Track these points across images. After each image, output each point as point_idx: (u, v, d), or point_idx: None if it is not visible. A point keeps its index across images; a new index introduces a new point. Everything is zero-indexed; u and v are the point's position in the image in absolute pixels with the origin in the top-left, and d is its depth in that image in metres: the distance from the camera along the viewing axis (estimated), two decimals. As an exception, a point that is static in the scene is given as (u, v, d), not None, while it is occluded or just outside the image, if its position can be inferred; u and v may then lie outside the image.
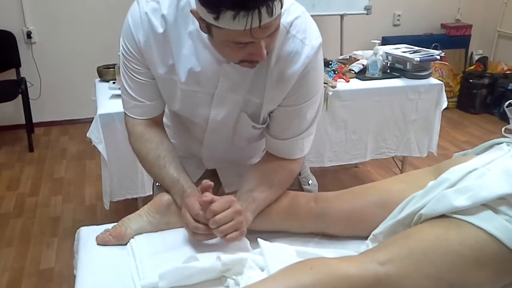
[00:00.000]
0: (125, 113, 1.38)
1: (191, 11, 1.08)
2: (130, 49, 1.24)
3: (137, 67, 1.27)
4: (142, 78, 1.29)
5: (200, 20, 1.06)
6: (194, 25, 1.16)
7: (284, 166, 1.34)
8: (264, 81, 1.22)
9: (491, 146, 1.32)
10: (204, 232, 1.18)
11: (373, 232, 1.22)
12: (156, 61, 1.24)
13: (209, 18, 1.00)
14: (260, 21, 0.97)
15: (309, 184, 1.64)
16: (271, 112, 1.33)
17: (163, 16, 1.18)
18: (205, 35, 1.14)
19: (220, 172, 1.57)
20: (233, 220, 1.14)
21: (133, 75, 1.29)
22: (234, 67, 1.17)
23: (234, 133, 1.38)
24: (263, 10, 0.96)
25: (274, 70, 1.20)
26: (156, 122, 1.38)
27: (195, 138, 1.45)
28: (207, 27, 1.06)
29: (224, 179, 1.56)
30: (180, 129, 1.50)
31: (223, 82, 1.23)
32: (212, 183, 1.21)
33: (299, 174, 1.63)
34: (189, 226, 1.19)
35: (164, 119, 1.44)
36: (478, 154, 1.31)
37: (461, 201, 1.08)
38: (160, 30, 1.19)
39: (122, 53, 1.28)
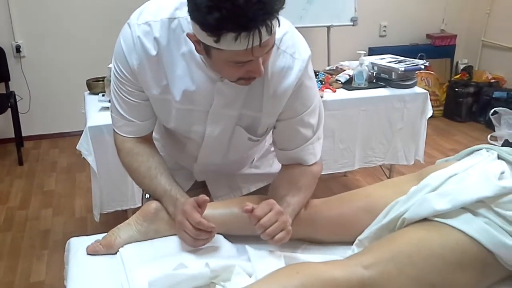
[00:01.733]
0: (114, 130, 1.39)
1: (187, 35, 1.10)
2: (124, 71, 1.25)
3: (130, 89, 1.28)
4: (134, 100, 1.30)
5: (197, 43, 1.08)
6: (186, 46, 1.18)
7: (304, 171, 1.36)
8: (259, 95, 1.24)
9: (472, 152, 1.36)
10: (204, 238, 1.21)
11: (359, 237, 1.25)
12: (150, 82, 1.25)
13: (209, 41, 1.02)
14: (260, 40, 0.99)
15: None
16: (274, 127, 1.36)
17: (155, 39, 1.20)
18: (198, 56, 1.17)
19: (209, 184, 1.58)
20: (277, 221, 1.16)
21: (125, 96, 1.30)
22: (228, 84, 1.20)
23: (229, 146, 1.40)
24: (263, 30, 0.98)
25: (270, 85, 1.22)
26: (146, 139, 1.40)
27: (189, 152, 1.46)
28: (205, 49, 1.07)
29: (213, 190, 1.58)
30: (173, 144, 1.51)
31: (217, 99, 1.25)
32: (208, 198, 1.22)
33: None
34: (190, 233, 1.20)
35: (153, 133, 1.46)
36: (459, 160, 1.35)
37: (442, 205, 1.11)
38: (153, 52, 1.20)
39: (115, 74, 1.29)
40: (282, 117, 1.31)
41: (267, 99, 1.25)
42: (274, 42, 1.08)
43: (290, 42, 1.21)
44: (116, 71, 1.28)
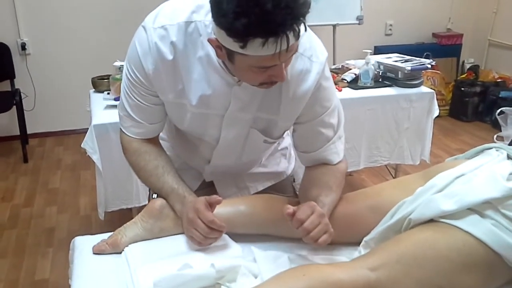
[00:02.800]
0: (121, 129, 1.38)
1: (208, 40, 1.09)
2: (138, 75, 1.24)
3: (142, 92, 1.27)
4: (146, 103, 1.29)
5: (218, 48, 1.07)
6: (203, 50, 1.17)
7: (331, 170, 1.35)
8: (276, 98, 1.23)
9: (482, 151, 1.34)
10: (214, 237, 1.21)
11: (365, 239, 1.24)
12: (166, 87, 1.24)
13: (234, 46, 1.00)
14: (288, 45, 0.99)
15: (303, 191, 1.66)
16: (294, 131, 1.35)
17: (172, 43, 1.18)
18: (215, 60, 1.16)
19: (217, 183, 1.57)
20: (320, 224, 1.15)
21: (136, 98, 1.29)
22: (245, 88, 1.19)
23: (243, 148, 1.40)
24: (290, 35, 0.98)
25: (288, 88, 1.21)
26: (153, 139, 1.39)
27: (201, 154, 1.46)
28: (228, 55, 1.06)
29: (221, 190, 1.57)
30: (184, 145, 1.50)
31: (234, 103, 1.24)
32: (221, 199, 1.22)
33: (294, 181, 1.66)
34: (201, 231, 1.19)
35: (161, 133, 1.45)
36: (468, 158, 1.34)
37: (449, 205, 1.10)
38: (170, 57, 1.19)
39: (127, 76, 1.27)
40: (302, 120, 1.30)
41: (285, 102, 1.24)
42: (298, 46, 1.07)
43: (307, 44, 1.21)
44: (129, 73, 1.26)
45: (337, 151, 1.36)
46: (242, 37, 0.97)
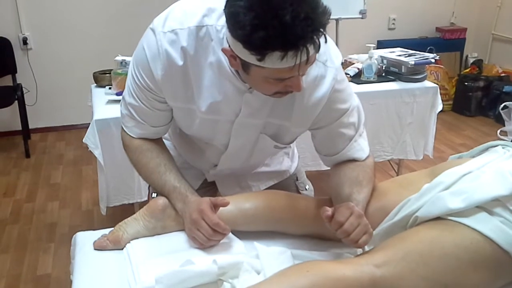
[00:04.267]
0: (122, 128, 1.36)
1: (222, 50, 1.06)
2: (146, 80, 1.21)
3: (149, 97, 1.24)
4: (151, 107, 1.27)
5: (232, 58, 1.04)
6: (214, 55, 1.14)
7: (359, 165, 1.31)
8: (288, 104, 1.20)
9: (487, 149, 1.33)
10: (217, 239, 1.20)
11: (369, 235, 1.22)
12: (174, 92, 1.21)
13: (251, 59, 0.98)
14: (308, 57, 0.96)
15: (306, 189, 1.65)
16: (313, 136, 1.33)
17: (182, 48, 1.14)
18: (226, 66, 1.13)
19: (219, 183, 1.55)
20: (359, 225, 1.11)
21: (141, 102, 1.26)
22: (257, 95, 1.16)
23: (252, 153, 1.38)
24: (310, 47, 0.95)
25: (302, 95, 1.18)
26: (155, 139, 1.37)
27: (208, 158, 1.44)
28: (243, 65, 1.03)
29: (223, 190, 1.55)
30: (189, 148, 1.48)
31: (244, 110, 1.22)
32: (228, 201, 1.20)
33: (297, 179, 1.64)
34: (205, 233, 1.18)
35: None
36: (473, 156, 1.32)
37: (456, 203, 1.09)
38: (180, 63, 1.16)
39: (134, 78, 1.24)
40: (320, 124, 1.28)
41: (298, 109, 1.22)
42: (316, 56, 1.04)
43: (322, 49, 1.16)
44: (137, 76, 1.23)
45: (361, 148, 1.32)
46: (260, 50, 0.94)
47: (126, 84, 1.30)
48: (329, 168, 1.38)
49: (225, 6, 1.00)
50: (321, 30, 0.95)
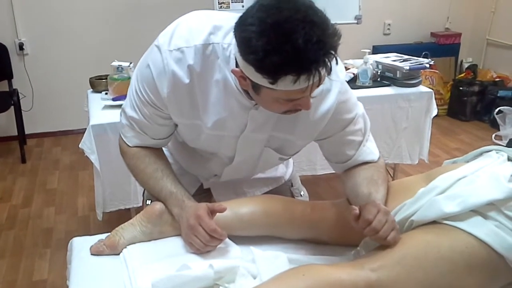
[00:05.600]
0: (121, 137, 1.36)
1: (232, 71, 1.07)
2: (152, 97, 1.21)
3: (152, 112, 1.24)
4: (153, 122, 1.27)
5: (242, 78, 1.04)
6: (220, 73, 1.15)
7: (371, 166, 1.33)
8: (292, 118, 1.19)
9: (481, 154, 1.34)
10: (214, 245, 1.20)
11: (365, 239, 1.23)
12: (180, 109, 1.21)
13: (263, 82, 0.98)
14: (320, 79, 0.97)
15: (301, 195, 1.66)
16: (321, 147, 1.34)
17: (189, 66, 1.14)
18: (232, 83, 1.13)
19: (214, 190, 1.55)
20: (387, 222, 1.11)
21: (144, 116, 1.26)
22: (262, 111, 1.17)
23: (256, 165, 1.39)
24: (323, 70, 0.96)
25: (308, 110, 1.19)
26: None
27: (211, 170, 1.44)
28: (253, 87, 1.04)
29: (218, 196, 1.55)
30: (189, 158, 1.48)
31: (250, 125, 1.22)
32: (225, 207, 1.21)
33: (292, 185, 1.65)
34: (201, 239, 1.18)
35: None
36: (468, 161, 1.33)
37: (451, 207, 1.09)
38: (186, 81, 1.16)
39: (138, 94, 1.24)
40: (326, 134, 1.28)
41: (303, 123, 1.23)
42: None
43: None
44: (141, 91, 1.22)
45: (371, 151, 1.34)
46: (273, 75, 0.95)
47: (128, 97, 1.30)
48: (325, 172, 1.39)
49: (236, 30, 1.01)
50: (333, 52, 0.96)
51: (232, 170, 1.40)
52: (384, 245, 1.12)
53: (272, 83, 0.97)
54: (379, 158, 1.35)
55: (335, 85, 1.20)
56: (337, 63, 1.00)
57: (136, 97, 1.25)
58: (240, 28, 0.99)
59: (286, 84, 0.96)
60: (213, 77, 1.16)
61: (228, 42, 1.12)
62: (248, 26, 0.96)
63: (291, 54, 0.91)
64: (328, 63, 0.96)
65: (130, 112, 1.29)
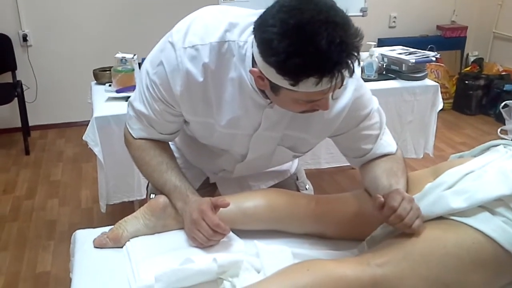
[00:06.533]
0: (127, 127, 1.34)
1: (250, 71, 1.05)
2: (164, 93, 1.19)
3: (162, 109, 1.23)
4: (162, 118, 1.26)
5: (260, 79, 1.03)
6: (235, 71, 1.13)
7: (390, 157, 1.32)
8: (307, 116, 1.18)
9: (488, 148, 1.32)
10: (217, 239, 1.19)
11: (371, 234, 1.22)
12: (193, 107, 1.20)
13: (283, 83, 0.97)
14: (342, 81, 0.96)
15: (306, 188, 1.65)
16: (337, 143, 1.33)
17: (204, 64, 1.13)
18: (247, 81, 1.12)
19: (219, 183, 1.55)
20: (412, 209, 1.08)
21: (153, 112, 1.24)
22: (277, 109, 1.15)
23: (269, 162, 1.38)
24: (345, 72, 0.95)
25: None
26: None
27: (222, 166, 1.43)
28: (272, 87, 1.02)
29: (223, 190, 1.54)
30: (198, 153, 1.47)
31: (263, 124, 1.21)
32: (228, 202, 1.20)
33: (297, 179, 1.64)
34: (205, 233, 1.17)
35: None
36: (475, 156, 1.32)
37: (459, 203, 1.08)
38: (200, 79, 1.14)
39: (149, 90, 1.22)
40: (342, 131, 1.27)
41: (317, 121, 1.21)
42: None
43: None
44: (153, 87, 1.21)
45: (388, 143, 1.32)
46: (295, 76, 0.94)
47: (137, 91, 1.29)
48: (329, 166, 1.38)
49: (256, 30, 0.99)
50: (355, 54, 0.94)
51: (244, 166, 1.39)
52: (389, 241, 1.11)
53: (293, 85, 0.96)
54: (397, 150, 1.34)
55: (351, 82, 1.18)
56: (359, 64, 0.98)
57: (146, 92, 1.23)
58: (261, 29, 0.97)
59: (308, 86, 0.95)
60: (228, 75, 1.14)
61: (244, 40, 1.10)
62: (269, 27, 0.94)
63: (314, 56, 0.90)
64: (351, 65, 0.95)
65: (139, 106, 1.27)
